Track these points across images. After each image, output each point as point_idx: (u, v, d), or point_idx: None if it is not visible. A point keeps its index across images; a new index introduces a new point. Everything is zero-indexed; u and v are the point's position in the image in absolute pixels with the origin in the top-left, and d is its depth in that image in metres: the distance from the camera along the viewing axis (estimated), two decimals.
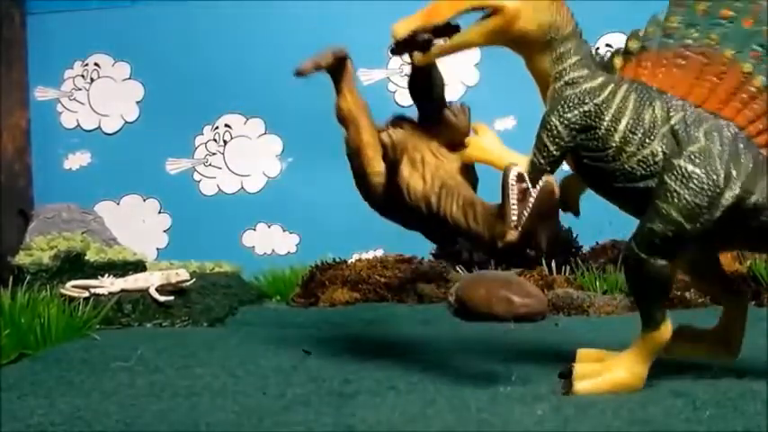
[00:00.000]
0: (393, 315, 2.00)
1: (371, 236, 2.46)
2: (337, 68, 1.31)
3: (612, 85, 1.13)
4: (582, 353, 1.17)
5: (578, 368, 1.10)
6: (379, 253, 2.58)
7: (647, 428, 0.90)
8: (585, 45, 1.17)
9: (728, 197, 1.04)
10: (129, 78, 2.85)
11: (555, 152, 1.11)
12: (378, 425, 0.96)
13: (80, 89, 2.87)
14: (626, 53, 1.15)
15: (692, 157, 1.05)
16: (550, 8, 1.13)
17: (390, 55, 1.23)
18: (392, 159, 1.16)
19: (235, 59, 2.78)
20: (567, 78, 1.14)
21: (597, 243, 2.45)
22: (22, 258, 2.19)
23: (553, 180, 0.99)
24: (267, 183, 2.82)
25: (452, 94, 2.74)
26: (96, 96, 2.86)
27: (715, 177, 1.04)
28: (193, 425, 0.99)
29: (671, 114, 1.09)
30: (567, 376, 1.10)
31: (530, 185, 0.99)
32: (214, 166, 2.84)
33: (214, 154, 2.83)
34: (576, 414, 0.96)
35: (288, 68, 2.93)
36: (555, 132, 1.11)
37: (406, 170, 1.17)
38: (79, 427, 1.00)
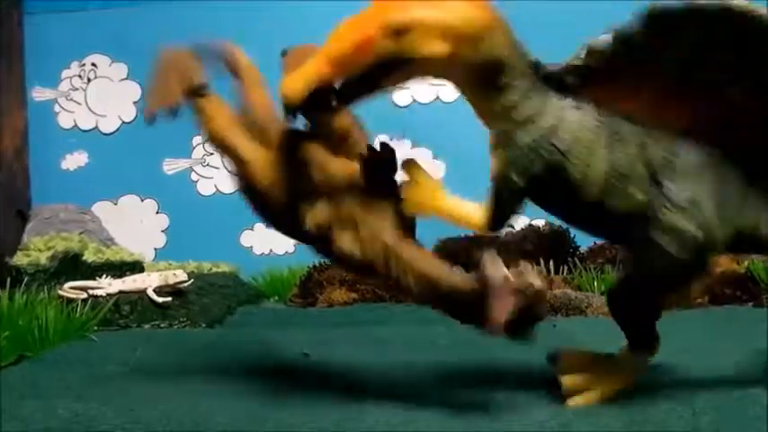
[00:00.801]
0: (391, 315, 2.00)
1: None
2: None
3: (574, 118, 0.93)
4: (566, 356, 1.09)
5: (566, 380, 1.04)
6: None
7: (647, 429, 0.90)
8: (529, 61, 0.94)
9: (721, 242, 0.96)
10: (127, 79, 2.85)
11: (517, 208, 0.96)
12: (378, 425, 0.96)
13: (77, 89, 2.86)
14: (583, 70, 0.94)
15: (678, 206, 0.92)
16: (486, 36, 0.89)
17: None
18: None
19: None
20: (516, 116, 0.92)
21: (595, 243, 2.45)
22: (19, 259, 2.18)
23: (543, 285, 0.89)
24: None
25: (451, 94, 2.74)
26: (94, 97, 2.86)
27: (707, 230, 0.93)
28: (193, 426, 0.98)
29: (647, 146, 0.93)
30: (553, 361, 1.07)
31: (518, 286, 0.87)
32: (212, 166, 2.84)
33: (212, 154, 2.83)
34: (576, 418, 0.96)
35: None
36: (517, 191, 0.94)
37: (339, 239, 0.97)
38: (78, 429, 1.00)
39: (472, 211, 0.95)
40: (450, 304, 0.96)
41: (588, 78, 0.93)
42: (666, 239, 0.92)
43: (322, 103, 0.91)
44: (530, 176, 0.92)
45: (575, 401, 1.02)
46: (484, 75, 0.91)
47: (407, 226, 0.98)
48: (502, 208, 0.94)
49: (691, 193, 0.92)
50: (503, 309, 0.88)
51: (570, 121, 0.92)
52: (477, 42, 0.88)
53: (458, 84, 0.96)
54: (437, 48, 0.87)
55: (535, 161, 0.91)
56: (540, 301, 0.89)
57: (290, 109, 0.92)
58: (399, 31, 0.86)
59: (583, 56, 0.93)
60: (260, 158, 1.05)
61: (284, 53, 1.14)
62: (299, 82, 0.89)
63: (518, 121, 0.92)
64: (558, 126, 0.92)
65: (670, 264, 0.93)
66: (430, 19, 0.86)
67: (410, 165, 0.97)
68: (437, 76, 0.93)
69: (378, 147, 0.98)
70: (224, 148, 1.10)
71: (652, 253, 0.93)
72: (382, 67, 0.88)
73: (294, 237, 1.12)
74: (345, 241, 0.96)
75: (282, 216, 1.07)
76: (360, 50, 0.87)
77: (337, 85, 0.91)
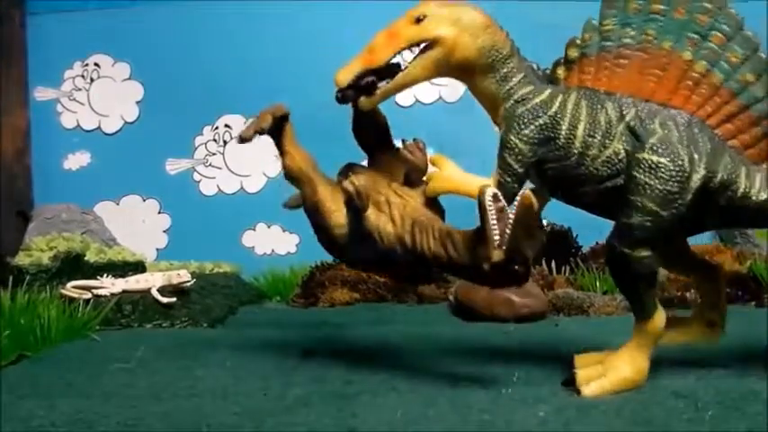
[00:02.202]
0: (393, 315, 2.00)
1: None
2: (277, 128, 1.28)
3: (561, 95, 1.14)
4: (579, 359, 1.17)
5: (581, 374, 1.11)
6: None
7: (648, 429, 0.90)
8: (526, 62, 1.19)
9: (696, 179, 1.07)
10: (129, 78, 2.86)
11: (519, 169, 1.13)
12: (379, 425, 0.96)
13: (80, 89, 2.87)
14: (567, 62, 1.17)
15: (654, 148, 1.08)
16: (486, 31, 1.15)
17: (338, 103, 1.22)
18: (359, 206, 1.14)
19: (234, 59, 2.78)
20: (516, 96, 1.16)
21: (597, 243, 2.45)
22: (21, 259, 2.18)
23: (530, 192, 0.98)
24: (267, 183, 2.82)
25: (452, 95, 2.74)
26: (96, 96, 2.86)
27: (680, 163, 1.07)
28: (194, 426, 0.98)
29: (624, 112, 1.11)
30: (571, 383, 1.11)
31: (505, 203, 0.99)
32: (214, 167, 2.84)
33: (214, 154, 2.83)
34: (578, 415, 0.96)
35: (287, 68, 2.94)
36: (516, 150, 1.13)
37: (372, 215, 1.15)
38: (80, 429, 1.00)
39: (484, 181, 1.10)
40: (459, 251, 1.06)
41: (573, 68, 1.16)
42: (647, 175, 1.07)
43: (365, 89, 1.18)
44: (527, 140, 1.13)
45: (589, 390, 1.07)
46: (486, 65, 1.16)
47: (436, 211, 1.18)
48: (506, 171, 1.13)
49: (662, 135, 1.08)
50: (500, 227, 0.98)
51: (559, 98, 1.14)
52: (477, 32, 1.14)
53: (467, 78, 1.19)
54: (446, 31, 1.14)
55: (531, 124, 1.13)
56: (530, 209, 0.96)
57: (341, 92, 1.19)
58: (419, 18, 1.14)
59: (565, 51, 1.17)
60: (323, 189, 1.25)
61: None
62: (347, 71, 1.17)
63: (517, 100, 1.15)
64: (549, 101, 1.14)
65: (655, 197, 1.06)
66: (441, 9, 1.15)
67: (436, 157, 1.21)
68: (451, 70, 1.17)
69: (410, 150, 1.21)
70: (299, 179, 1.28)
71: (638, 190, 1.07)
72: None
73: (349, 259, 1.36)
74: (374, 216, 1.15)
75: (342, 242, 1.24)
76: (391, 37, 1.15)
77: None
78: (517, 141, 1.13)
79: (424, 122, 2.72)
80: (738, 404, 0.97)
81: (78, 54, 2.87)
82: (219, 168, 2.84)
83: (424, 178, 1.20)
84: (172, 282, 1.96)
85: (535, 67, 1.19)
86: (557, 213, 2.58)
